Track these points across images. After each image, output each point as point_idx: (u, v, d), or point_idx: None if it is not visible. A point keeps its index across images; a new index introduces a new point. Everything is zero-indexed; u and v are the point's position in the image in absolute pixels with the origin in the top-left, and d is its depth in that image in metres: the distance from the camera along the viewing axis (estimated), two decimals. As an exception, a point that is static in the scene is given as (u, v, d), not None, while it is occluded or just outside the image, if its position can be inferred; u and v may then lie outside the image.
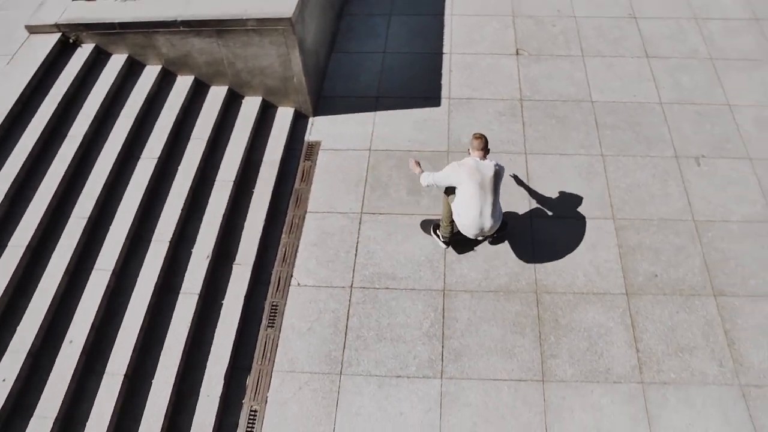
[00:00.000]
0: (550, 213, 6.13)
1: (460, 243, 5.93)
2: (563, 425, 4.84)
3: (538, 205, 6.19)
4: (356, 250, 5.82)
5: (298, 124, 6.87)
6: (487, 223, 5.14)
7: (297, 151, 6.64)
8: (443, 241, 5.88)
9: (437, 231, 5.95)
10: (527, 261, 5.78)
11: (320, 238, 5.91)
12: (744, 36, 8.21)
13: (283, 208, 6.16)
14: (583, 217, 6.11)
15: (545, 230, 6.00)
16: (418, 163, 5.51)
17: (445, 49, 7.78)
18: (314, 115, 6.95)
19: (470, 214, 5.10)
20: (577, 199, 6.25)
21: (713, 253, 5.88)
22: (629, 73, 7.57)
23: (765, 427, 4.86)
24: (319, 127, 6.84)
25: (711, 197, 6.33)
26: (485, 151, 5.19)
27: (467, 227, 5.20)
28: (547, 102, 7.15)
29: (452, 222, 5.56)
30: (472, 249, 5.93)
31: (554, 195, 6.27)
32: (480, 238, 5.84)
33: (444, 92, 7.22)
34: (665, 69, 7.67)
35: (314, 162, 6.52)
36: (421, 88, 7.28)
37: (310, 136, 6.77)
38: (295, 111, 6.86)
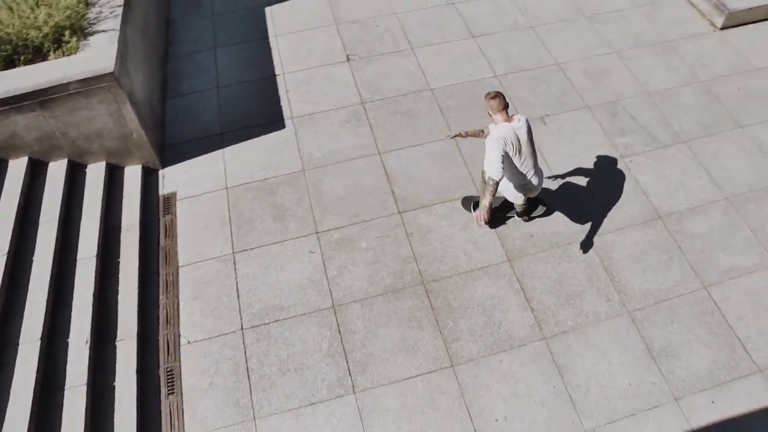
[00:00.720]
0: (417, 204, 6.54)
1: (494, 220, 6.39)
2: (482, 402, 5.19)
3: (404, 199, 6.58)
4: (237, 292, 5.91)
5: (149, 179, 6.86)
6: (534, 181, 5.55)
7: (154, 208, 6.63)
8: (484, 221, 6.16)
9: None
10: (407, 255, 6.13)
11: (198, 289, 5.94)
12: (553, 1, 9.18)
13: (153, 269, 6.14)
14: (450, 200, 6.57)
15: (416, 222, 6.39)
16: (488, 209, 5.25)
17: (278, 70, 8.06)
18: (163, 167, 6.97)
19: (517, 181, 5.49)
20: (440, 184, 6.71)
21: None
22: (460, 56, 8.22)
23: (654, 341, 5.53)
24: (171, 178, 6.87)
25: (563, 150, 7.02)
26: (507, 107, 5.29)
27: (516, 195, 5.63)
28: (388, 100, 7.62)
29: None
30: (504, 223, 6.41)
31: (417, 186, 6.69)
32: (517, 210, 6.28)
33: (286, 113, 7.49)
34: (492, 44, 8.40)
35: (174, 214, 6.54)
36: (262, 114, 7.50)
37: (164, 189, 6.78)
38: (143, 167, 6.85)
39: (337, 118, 7.42)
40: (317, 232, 6.32)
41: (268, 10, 9.07)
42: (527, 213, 6.36)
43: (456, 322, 5.65)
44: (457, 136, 5.88)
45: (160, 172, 6.93)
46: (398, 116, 7.43)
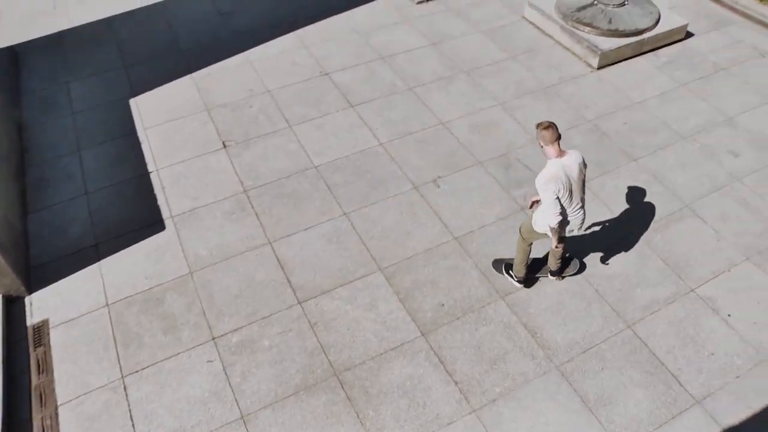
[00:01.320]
0: (317, 291, 6.57)
1: (527, 281, 6.62)
2: (418, 493, 5.13)
3: (303, 288, 6.60)
4: (132, 421, 5.65)
5: (14, 309, 6.53)
6: (579, 218, 5.80)
7: (22, 342, 6.28)
8: (517, 281, 6.57)
9: (510, 271, 6.62)
10: (313, 347, 6.10)
11: (85, 427, 5.63)
12: (429, 60, 9.76)
13: (24, 417, 5.73)
14: (350, 281, 6.65)
15: (319, 310, 6.40)
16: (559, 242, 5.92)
17: (151, 167, 8.01)
18: (31, 292, 6.66)
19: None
20: (338, 266, 6.79)
21: (484, 260, 6.78)
22: (341, 127, 8.49)
23: (588, 392, 5.72)
24: (40, 304, 6.58)
25: (462, 211, 7.30)
26: (560, 138, 5.40)
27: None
28: (272, 184, 7.72)
29: (527, 263, 6.37)
30: (538, 280, 6.66)
31: (314, 272, 6.74)
32: (551, 269, 6.60)
33: (164, 212, 7.41)
34: (373, 111, 8.73)
35: (48, 345, 6.23)
36: (139, 217, 7.39)
37: (33, 318, 6.46)
38: (5, 296, 6.50)
39: (221, 211, 7.42)
40: (214, 338, 6.20)
41: (132, 102, 9.07)
42: (560, 272, 6.61)
43: (377, 411, 5.62)
44: (532, 205, 6.21)
45: (27, 298, 6.62)
46: (284, 200, 7.52)
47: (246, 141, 8.36)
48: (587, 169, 5.75)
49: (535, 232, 5.93)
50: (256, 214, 7.37)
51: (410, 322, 6.26)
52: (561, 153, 5.44)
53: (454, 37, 10.39)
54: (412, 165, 7.92)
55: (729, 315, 6.31)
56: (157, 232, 7.22)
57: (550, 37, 10.37)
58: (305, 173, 7.86)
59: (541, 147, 5.47)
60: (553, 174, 5.38)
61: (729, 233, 7.09)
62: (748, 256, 6.86)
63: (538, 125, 5.41)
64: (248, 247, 7.00)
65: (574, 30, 9.97)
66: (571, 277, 6.60)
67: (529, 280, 6.61)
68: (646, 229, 7.10)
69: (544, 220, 5.68)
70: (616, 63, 9.78)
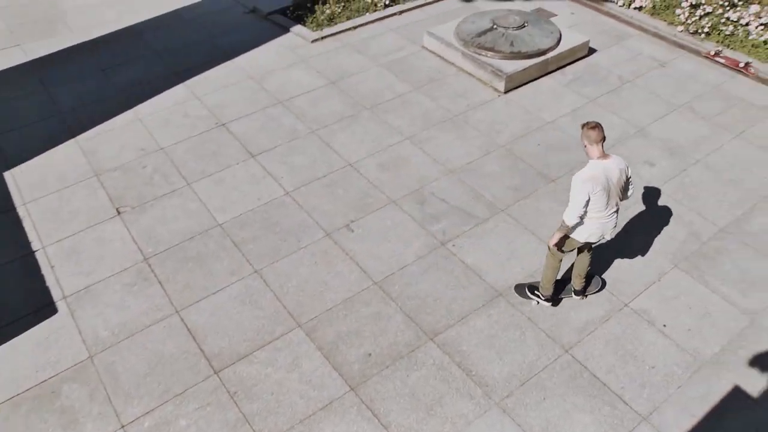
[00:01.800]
0: (234, 357, 6.46)
1: (553, 299, 6.86)
2: None
3: (218, 356, 6.47)
4: None
5: None
6: (612, 222, 6.04)
7: None
8: (545, 299, 6.78)
9: (536, 292, 6.81)
10: (236, 419, 5.96)
11: None
12: (328, 100, 9.97)
13: None
14: (269, 341, 6.58)
15: (237, 377, 6.28)
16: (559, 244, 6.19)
17: (35, 245, 7.73)
18: None
19: (593, 223, 5.95)
20: (254, 327, 6.72)
21: (408, 302, 6.85)
22: (243, 180, 8.50)
23: (533, 425, 5.79)
24: None
25: (379, 253, 7.37)
26: (604, 140, 5.67)
27: (589, 236, 6.07)
28: (174, 248, 7.60)
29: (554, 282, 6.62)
30: (561, 301, 6.88)
31: (229, 337, 6.64)
32: (575, 288, 6.82)
33: (56, 294, 7.15)
34: (275, 159, 8.79)
35: None
36: (25, 303, 7.06)
37: None
38: None
39: (120, 284, 7.22)
40: (123, 426, 5.95)
41: (8, 174, 8.77)
42: (583, 291, 6.78)
43: (311, 480, 5.54)
44: (562, 248, 6.28)
45: None
46: (189, 264, 7.41)
47: (142, 205, 8.22)
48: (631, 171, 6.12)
49: (571, 239, 6.17)
50: (160, 282, 7.21)
51: (337, 378, 6.22)
52: (604, 155, 5.76)
53: (353, 73, 10.63)
54: (322, 211, 7.97)
55: (664, 325, 6.57)
56: (48, 317, 6.91)
57: (453, 64, 10.72)
58: (209, 233, 7.77)
59: (585, 146, 5.80)
60: (592, 175, 5.69)
61: (655, 243, 7.42)
62: (676, 263, 7.20)
63: (584, 124, 5.80)
64: (154, 319, 6.81)
65: (476, 56, 10.34)
66: (500, 308, 6.74)
67: (555, 300, 6.80)
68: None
69: (566, 213, 5.88)
70: (523, 85, 10.19)
